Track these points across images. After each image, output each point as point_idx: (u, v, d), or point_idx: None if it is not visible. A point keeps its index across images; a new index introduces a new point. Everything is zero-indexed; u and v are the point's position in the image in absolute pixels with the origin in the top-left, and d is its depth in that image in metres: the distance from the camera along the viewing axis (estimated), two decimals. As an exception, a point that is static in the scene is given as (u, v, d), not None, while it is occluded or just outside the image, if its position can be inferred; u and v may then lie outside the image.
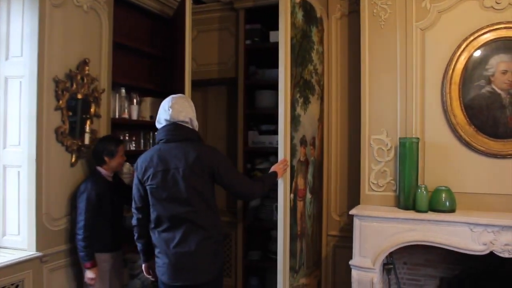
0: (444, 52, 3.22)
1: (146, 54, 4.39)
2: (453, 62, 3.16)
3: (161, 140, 2.73)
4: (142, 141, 4.33)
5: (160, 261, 2.68)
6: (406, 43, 3.31)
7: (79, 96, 3.31)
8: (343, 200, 3.89)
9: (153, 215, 2.70)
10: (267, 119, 4.32)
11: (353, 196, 3.86)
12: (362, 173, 3.40)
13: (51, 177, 3.10)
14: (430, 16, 3.25)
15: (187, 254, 2.61)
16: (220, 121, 4.77)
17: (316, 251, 3.84)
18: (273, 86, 4.25)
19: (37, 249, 3.00)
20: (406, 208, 3.18)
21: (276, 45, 4.13)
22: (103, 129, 3.60)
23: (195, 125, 2.81)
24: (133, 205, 2.80)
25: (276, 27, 4.18)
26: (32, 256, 2.95)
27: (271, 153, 4.34)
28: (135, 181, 2.77)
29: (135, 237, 2.86)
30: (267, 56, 4.48)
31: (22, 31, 3.05)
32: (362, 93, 3.41)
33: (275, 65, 4.26)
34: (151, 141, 4.44)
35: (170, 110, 2.71)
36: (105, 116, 3.61)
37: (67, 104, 3.20)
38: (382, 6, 3.37)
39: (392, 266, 3.38)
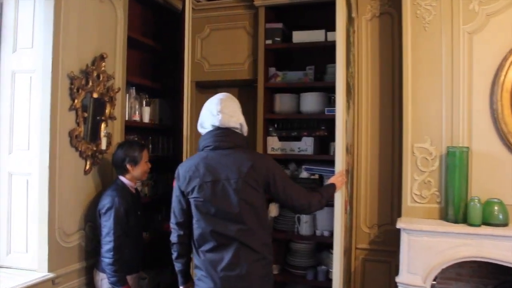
0: (493, 57, 2.94)
1: (152, 51, 3.96)
2: (505, 69, 2.89)
3: (207, 146, 2.34)
4: (150, 146, 3.89)
5: (204, 285, 2.28)
6: (452, 46, 3.02)
7: (95, 95, 2.87)
8: (373, 211, 3.57)
9: (196, 232, 2.30)
10: (286, 125, 3.96)
11: (383, 207, 3.56)
12: (404, 184, 3.08)
13: (64, 186, 2.65)
14: (478, 19, 2.98)
15: (238, 277, 2.22)
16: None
17: (349, 266, 3.51)
18: (294, 89, 3.93)
19: (49, 269, 2.54)
20: (455, 221, 2.88)
21: (299, 46, 3.85)
22: (117, 133, 3.16)
23: (245, 130, 2.45)
24: (173, 219, 2.39)
25: (299, 27, 3.88)
26: (44, 278, 2.49)
27: (291, 160, 3.99)
28: (176, 192, 2.37)
29: (174, 256, 2.44)
30: (288, 57, 4.15)
31: (34, 19, 2.60)
32: (404, 99, 3.10)
33: (298, 67, 3.97)
34: (160, 146, 4.01)
35: (220, 115, 2.34)
36: (119, 119, 3.17)
37: (82, 104, 2.76)
38: (426, 8, 3.08)
39: (435, 283, 3.07)
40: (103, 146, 2.91)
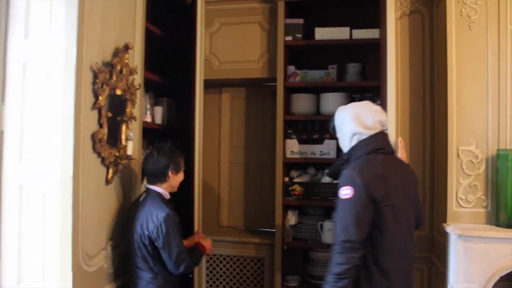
0: (540, 58, 2.72)
1: (161, 43, 3.46)
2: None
3: (380, 149, 2.06)
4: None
5: None
6: (499, 47, 2.76)
7: (118, 92, 2.37)
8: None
9: (385, 247, 1.95)
10: (305, 127, 3.59)
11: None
12: (450, 188, 2.79)
13: (87, 200, 2.15)
14: (527, 20, 2.75)
15: None
16: (250, 128, 4.00)
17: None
18: (311, 90, 3.58)
19: (73, 300, 2.04)
20: (509, 226, 2.63)
21: (322, 44, 3.49)
22: (136, 136, 2.66)
23: None
24: (353, 236, 1.90)
25: (322, 23, 3.53)
26: (69, 312, 1.99)
27: (309, 164, 3.63)
28: (362, 201, 1.92)
29: (343, 284, 1.91)
30: (307, 55, 3.78)
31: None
32: (449, 101, 2.81)
33: (317, 66, 3.62)
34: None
35: (380, 114, 2.16)
36: (138, 119, 2.68)
37: (106, 101, 2.26)
38: (471, 6, 2.79)
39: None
40: (129, 151, 2.42)
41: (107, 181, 2.34)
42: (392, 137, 2.63)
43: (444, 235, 2.87)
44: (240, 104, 4.03)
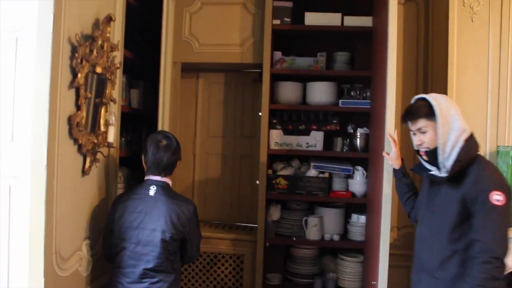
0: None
1: (138, 17, 3.12)
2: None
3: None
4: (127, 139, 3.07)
5: None
6: (501, 39, 2.65)
7: (98, 70, 2.04)
8: (392, 213, 3.11)
9: None
10: (290, 117, 3.36)
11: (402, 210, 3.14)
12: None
13: (61, 193, 1.82)
14: (529, 12, 2.65)
15: None
16: (228, 116, 3.72)
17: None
18: (298, 78, 3.35)
19: (45, 313, 1.71)
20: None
21: (311, 29, 3.24)
22: (116, 121, 2.34)
23: None
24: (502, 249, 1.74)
25: (312, 8, 3.29)
26: (39, 327, 1.67)
27: (293, 156, 3.41)
28: (509, 210, 1.77)
29: None
30: (295, 41, 3.53)
31: (23, -45, 1.73)
32: (449, 93, 2.67)
33: (305, 53, 3.39)
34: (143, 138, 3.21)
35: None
36: (118, 102, 2.36)
37: (85, 80, 1.93)
38: (474, -4, 2.68)
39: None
40: (110, 138, 2.10)
41: (84, 172, 2.02)
42: (390, 131, 2.45)
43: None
44: (218, 91, 3.74)
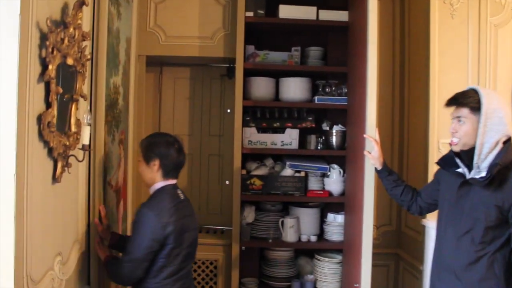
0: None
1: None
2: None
3: None
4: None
5: None
6: (479, 38, 2.66)
7: (69, 62, 1.76)
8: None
9: None
10: (263, 114, 3.20)
11: (382, 207, 3.08)
12: (430, 183, 2.63)
13: (31, 207, 1.54)
14: (505, 13, 2.66)
15: None
16: (195, 113, 3.50)
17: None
18: (274, 73, 3.18)
19: None
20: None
21: (285, 23, 3.06)
22: (100, 120, 2.11)
23: None
24: None
25: (287, 1, 3.11)
26: None
27: (267, 155, 3.24)
28: None
29: None
30: (268, 35, 3.35)
31: None
32: (431, 92, 2.65)
33: (279, 48, 3.22)
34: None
35: None
36: (100, 98, 2.10)
37: (56, 73, 1.65)
38: (453, -8, 2.65)
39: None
40: (84, 139, 1.81)
41: (55, 179, 1.73)
42: (371, 129, 2.37)
43: (420, 231, 2.72)
44: (183, 86, 3.51)
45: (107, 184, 2.45)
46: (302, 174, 3.09)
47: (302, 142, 3.20)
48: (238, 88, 3.00)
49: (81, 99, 1.92)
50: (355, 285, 2.52)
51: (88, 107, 1.95)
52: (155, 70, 3.46)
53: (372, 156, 2.27)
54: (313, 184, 3.13)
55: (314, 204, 3.22)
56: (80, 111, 1.92)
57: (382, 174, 2.24)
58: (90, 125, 1.83)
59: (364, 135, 2.33)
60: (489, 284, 1.73)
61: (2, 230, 1.40)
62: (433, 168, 2.64)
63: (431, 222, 2.52)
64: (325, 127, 3.16)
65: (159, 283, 2.01)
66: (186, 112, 3.50)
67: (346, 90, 3.07)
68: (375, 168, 2.29)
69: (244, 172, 3.08)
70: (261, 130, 3.12)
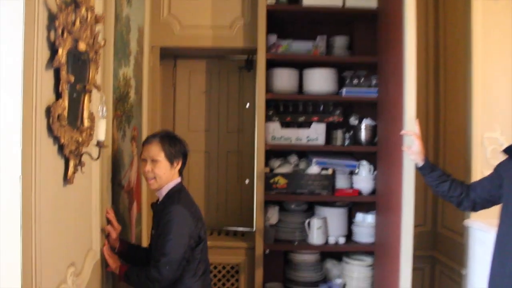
0: None
1: None
2: None
3: None
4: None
5: None
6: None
7: (81, 47, 1.55)
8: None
9: None
10: (286, 108, 2.98)
11: (416, 207, 2.83)
12: (474, 180, 2.39)
13: (41, 213, 1.33)
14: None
15: None
16: (212, 108, 3.29)
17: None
18: (299, 64, 2.95)
19: None
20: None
21: (309, 11, 2.83)
22: (108, 113, 1.85)
23: None
24: None
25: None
26: None
27: (290, 152, 3.02)
28: None
29: None
30: (291, 24, 3.12)
31: None
32: (474, 81, 2.40)
33: (304, 37, 2.96)
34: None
35: None
36: (107, 89, 1.88)
37: (67, 59, 1.44)
38: (497, -27, 2.41)
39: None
40: (101, 135, 1.61)
41: (66, 180, 1.52)
42: (411, 122, 2.14)
43: (461, 232, 2.49)
44: (199, 79, 3.29)
45: (118, 185, 2.25)
46: (329, 171, 2.87)
47: (328, 137, 2.97)
48: (260, 80, 2.78)
49: (94, 91, 1.72)
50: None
51: (104, 98, 1.73)
52: (169, 63, 3.25)
53: (413, 152, 2.04)
54: (341, 182, 2.91)
55: (341, 204, 2.99)
56: (93, 104, 1.71)
57: (425, 170, 2.01)
58: (106, 119, 1.61)
59: (402, 132, 2.10)
60: None
61: (8, 240, 1.19)
62: (476, 165, 2.43)
63: (476, 222, 2.29)
64: (353, 121, 2.93)
65: (198, 280, 1.96)
66: (202, 107, 3.28)
67: (375, 82, 2.84)
68: (416, 165, 2.06)
69: (267, 170, 2.86)
70: (285, 125, 2.90)
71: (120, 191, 2.25)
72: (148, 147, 1.95)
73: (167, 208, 1.91)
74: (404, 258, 2.21)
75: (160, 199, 1.99)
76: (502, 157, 1.89)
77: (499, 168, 1.86)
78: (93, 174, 1.81)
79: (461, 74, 2.52)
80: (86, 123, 1.64)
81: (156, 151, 1.94)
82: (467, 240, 2.40)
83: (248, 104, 3.22)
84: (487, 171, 2.40)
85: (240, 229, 3.22)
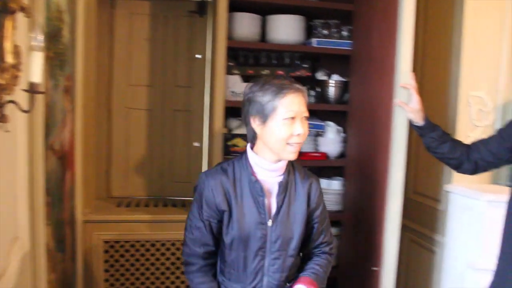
0: None
1: None
2: None
3: None
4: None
5: None
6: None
7: None
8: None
9: None
10: (247, 59, 2.56)
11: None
12: (458, 142, 2.20)
13: None
14: None
15: None
16: (156, 59, 2.79)
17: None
18: (261, 9, 2.53)
19: None
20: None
21: None
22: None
23: None
24: None
25: None
26: None
27: (250, 111, 2.63)
28: None
29: None
30: None
31: None
32: (463, 36, 2.15)
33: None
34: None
35: None
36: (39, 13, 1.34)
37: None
38: None
39: None
40: (35, 76, 1.08)
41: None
42: (405, 76, 1.88)
43: (439, 198, 2.32)
44: (142, 24, 2.75)
45: (50, 149, 1.73)
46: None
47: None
48: (221, 23, 2.31)
49: (19, 15, 1.20)
50: (372, 268, 2.07)
51: (38, 23, 1.21)
52: (104, 4, 2.66)
53: (412, 109, 1.77)
54: (306, 145, 2.60)
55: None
56: (19, 33, 1.19)
57: (425, 130, 1.76)
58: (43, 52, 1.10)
59: (400, 84, 1.81)
60: None
61: None
62: (461, 126, 2.23)
63: (460, 188, 2.11)
64: (321, 76, 2.61)
65: None
66: (145, 57, 2.76)
67: (347, 34, 2.52)
68: (414, 124, 1.80)
69: (225, 131, 2.46)
70: (245, 79, 2.50)
71: (51, 156, 1.74)
72: (298, 97, 1.45)
73: (309, 178, 1.60)
74: (390, 229, 1.99)
75: (282, 172, 1.53)
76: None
77: (510, 129, 1.64)
78: (20, 133, 1.30)
79: (448, 27, 2.28)
80: (9, 59, 1.13)
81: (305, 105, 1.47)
82: (447, 206, 2.23)
83: (199, 55, 2.77)
84: (473, 134, 2.24)
85: (189, 198, 2.83)
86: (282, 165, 1.51)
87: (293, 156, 1.45)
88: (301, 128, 1.43)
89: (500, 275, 1.54)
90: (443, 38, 2.34)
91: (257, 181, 1.48)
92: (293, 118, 1.42)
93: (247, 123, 1.50)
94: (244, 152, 1.54)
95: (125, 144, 2.81)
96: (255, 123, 1.46)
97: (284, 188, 1.52)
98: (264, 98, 1.42)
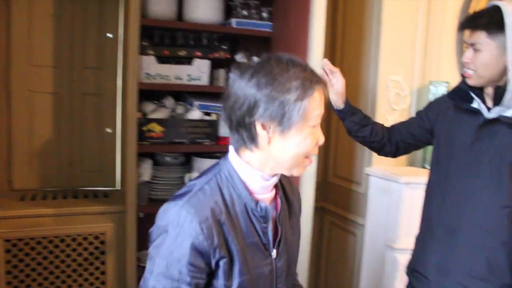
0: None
1: None
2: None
3: None
4: None
5: None
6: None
7: None
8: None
9: None
10: (163, 39, 2.39)
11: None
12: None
13: None
14: None
15: None
16: (62, 37, 2.53)
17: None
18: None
19: None
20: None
21: None
22: None
23: None
24: None
25: None
26: None
27: (166, 93, 2.47)
28: None
29: None
30: None
31: None
32: (382, 22, 2.17)
33: None
34: None
35: None
36: None
37: None
38: None
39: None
40: None
41: None
42: (317, 60, 1.83)
43: (359, 181, 2.33)
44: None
45: None
46: (214, 117, 2.43)
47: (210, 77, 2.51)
48: (134, 0, 2.13)
49: None
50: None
51: None
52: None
53: (336, 91, 1.70)
54: (224, 129, 2.50)
55: (220, 156, 2.60)
56: None
57: (346, 114, 1.70)
58: None
59: (324, 60, 1.73)
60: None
61: None
62: (380, 109, 2.24)
63: (379, 170, 2.13)
64: (241, 58, 2.51)
65: None
66: (49, 35, 2.49)
67: (267, 15, 2.44)
68: (334, 107, 1.75)
69: (139, 115, 2.29)
70: (160, 60, 2.34)
71: None
72: (324, 93, 1.04)
73: (293, 185, 1.25)
74: (305, 212, 1.96)
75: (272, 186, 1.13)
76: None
77: (431, 111, 1.64)
78: None
79: (366, 13, 2.27)
80: None
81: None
82: (367, 189, 2.24)
83: (111, 35, 2.56)
84: (391, 117, 2.26)
85: (101, 189, 2.63)
86: (277, 178, 1.11)
87: (303, 171, 1.10)
88: (323, 136, 1.07)
89: (419, 254, 1.55)
90: (362, 23, 2.34)
91: (258, 203, 1.06)
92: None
93: (242, 127, 1.01)
94: (224, 162, 1.09)
95: (28, 131, 2.53)
96: (266, 131, 1.00)
97: (286, 205, 1.17)
98: (286, 96, 0.97)
